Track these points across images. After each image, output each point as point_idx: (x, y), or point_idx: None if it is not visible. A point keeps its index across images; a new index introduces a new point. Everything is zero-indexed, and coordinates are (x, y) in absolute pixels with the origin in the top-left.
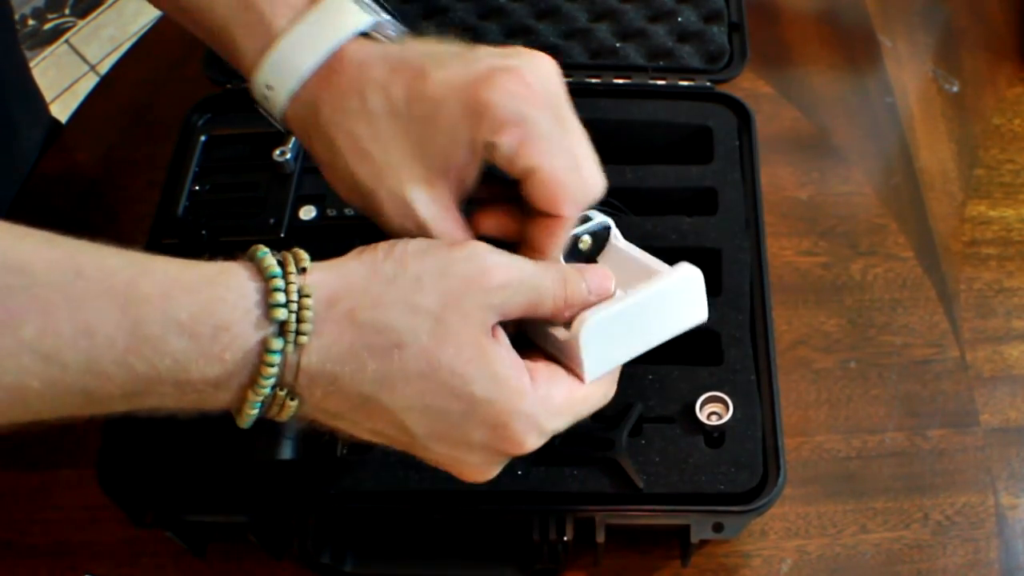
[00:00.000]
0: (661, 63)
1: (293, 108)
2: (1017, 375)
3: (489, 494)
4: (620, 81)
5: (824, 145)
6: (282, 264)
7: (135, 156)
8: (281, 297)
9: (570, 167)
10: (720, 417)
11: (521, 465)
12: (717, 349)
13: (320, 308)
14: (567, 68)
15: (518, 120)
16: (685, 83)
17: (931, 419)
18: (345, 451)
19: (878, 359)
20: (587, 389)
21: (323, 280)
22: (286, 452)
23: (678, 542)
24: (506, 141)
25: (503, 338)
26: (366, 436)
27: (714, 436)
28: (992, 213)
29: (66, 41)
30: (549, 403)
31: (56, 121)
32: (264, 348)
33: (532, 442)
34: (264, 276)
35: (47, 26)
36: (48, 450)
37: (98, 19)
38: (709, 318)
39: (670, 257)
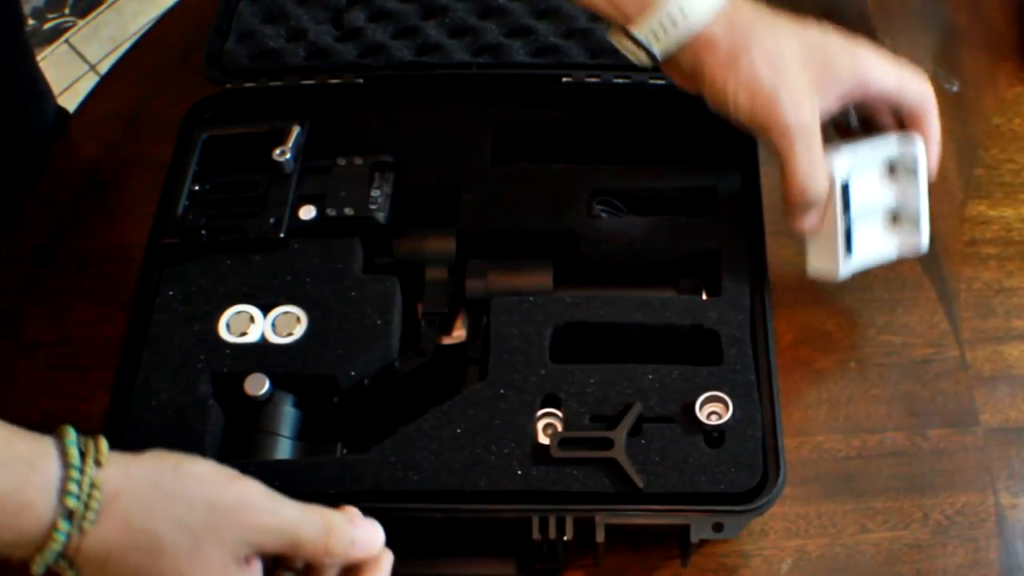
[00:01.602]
0: None
1: (705, 31)
2: (1017, 375)
3: (489, 494)
4: (620, 80)
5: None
6: (83, 454)
7: (135, 156)
8: (75, 488)
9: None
10: (720, 417)
11: (521, 465)
12: (717, 349)
13: (106, 500)
14: (567, 68)
15: (880, 62)
16: None
17: (931, 419)
18: (345, 451)
19: (878, 359)
20: None
21: (113, 477)
22: (286, 452)
23: (678, 542)
24: (878, 76)
25: (256, 565)
26: None
27: (714, 436)
28: (992, 213)
29: (66, 41)
30: None
31: (63, 110)
32: (54, 527)
33: None
34: (67, 464)
35: (47, 26)
36: None
37: (98, 19)
38: (708, 318)
39: (669, 257)
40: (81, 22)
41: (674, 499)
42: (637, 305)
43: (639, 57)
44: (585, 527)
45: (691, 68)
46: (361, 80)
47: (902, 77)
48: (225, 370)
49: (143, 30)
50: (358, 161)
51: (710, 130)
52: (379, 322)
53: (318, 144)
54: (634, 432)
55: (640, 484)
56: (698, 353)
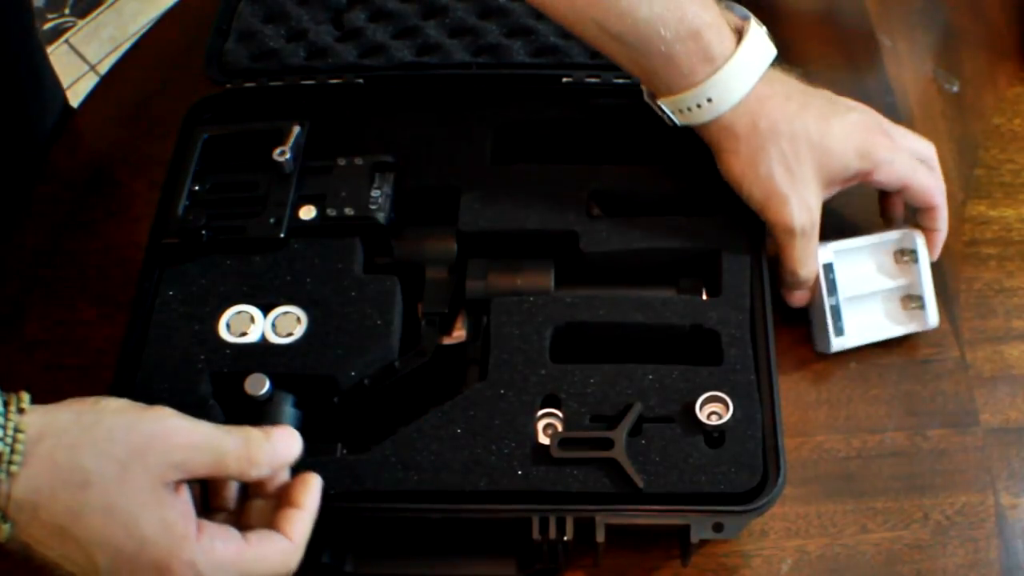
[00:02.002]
0: None
1: (728, 118)
2: (1017, 375)
3: (489, 494)
4: (619, 81)
5: None
6: (5, 404)
7: (135, 156)
8: None
9: (924, 175)
10: (720, 417)
11: (521, 465)
12: (717, 349)
13: (30, 443)
14: (567, 68)
15: (891, 162)
16: None
17: (931, 419)
18: (345, 451)
19: (878, 359)
20: (259, 551)
21: (36, 421)
22: None
23: (678, 542)
24: (883, 178)
25: (184, 493)
26: (63, 566)
27: (714, 436)
28: (992, 213)
29: (66, 41)
30: (212, 554)
31: (69, 107)
32: None
33: None
34: None
35: (47, 26)
36: None
37: (98, 19)
38: (709, 318)
39: (669, 257)
40: (81, 22)
41: (674, 499)
42: (637, 305)
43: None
44: (585, 527)
45: (711, 144)
46: (361, 80)
47: (908, 178)
48: (225, 370)
49: (143, 30)
50: (358, 161)
51: None
52: (379, 322)
53: (318, 144)
54: (634, 432)
55: (640, 484)
56: (698, 353)
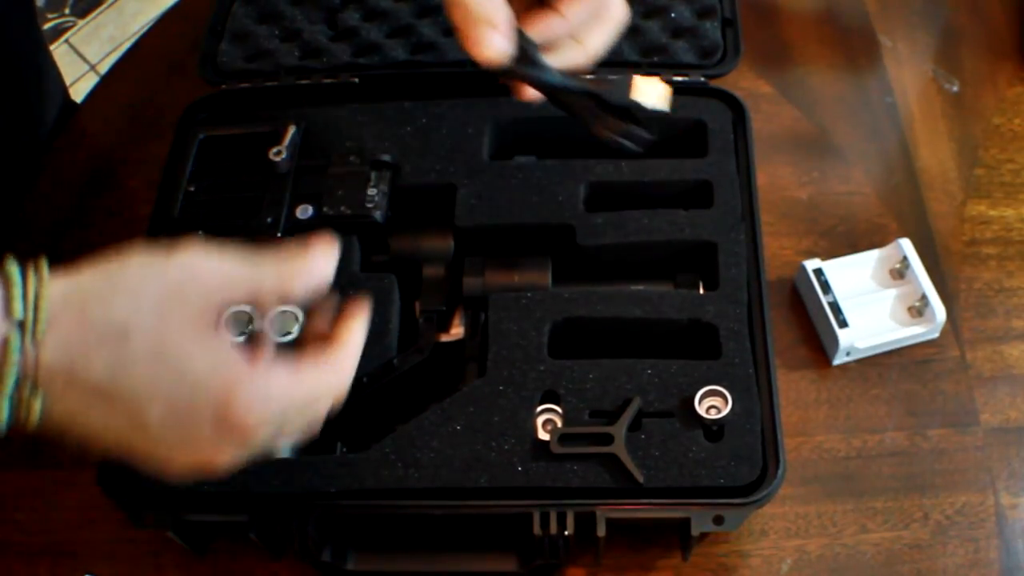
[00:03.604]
0: (655, 59)
1: None
2: (1017, 375)
3: (489, 490)
4: (614, 77)
5: (824, 145)
6: (23, 271)
7: (134, 155)
8: (19, 297)
9: None
10: (719, 411)
11: (521, 461)
12: (715, 343)
13: (55, 306)
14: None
15: None
16: (679, 78)
17: (931, 419)
18: (345, 450)
19: (878, 359)
20: (311, 376)
21: (59, 283)
22: (286, 451)
23: (678, 538)
24: None
25: (226, 336)
26: (106, 435)
27: (713, 430)
28: (992, 213)
29: (66, 41)
30: (270, 387)
31: (72, 102)
32: (5, 344)
33: (257, 425)
34: (7, 283)
35: (47, 26)
36: (48, 450)
37: (98, 19)
38: (706, 312)
39: (666, 251)
40: (81, 22)
41: (674, 493)
42: (635, 300)
43: None
44: (586, 522)
45: None
46: (356, 79)
47: None
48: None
49: (143, 30)
50: (354, 160)
51: (704, 124)
52: (377, 320)
53: (314, 144)
54: (634, 427)
55: (640, 479)
56: (697, 347)
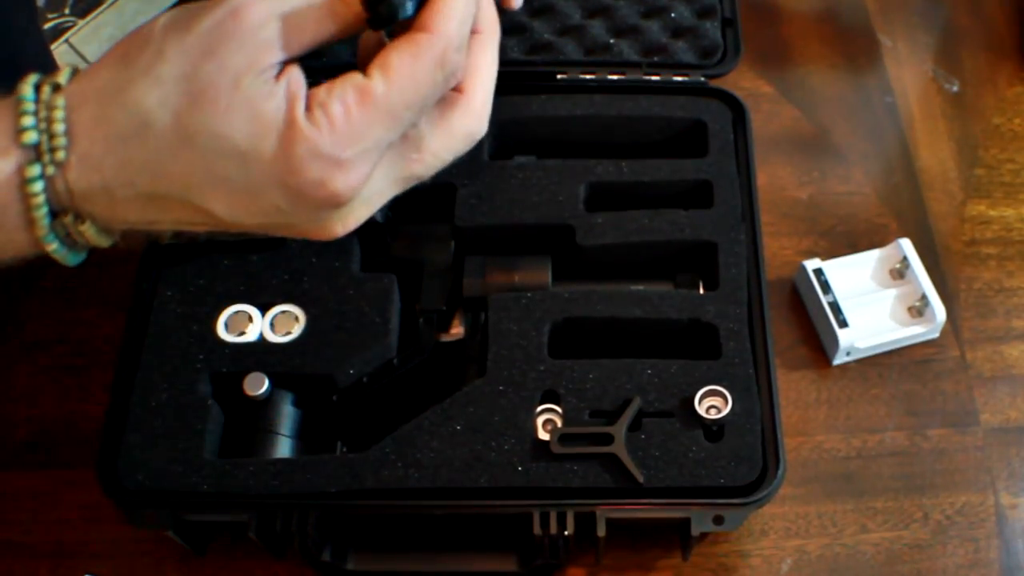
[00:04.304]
0: (655, 59)
1: None
2: (1017, 375)
3: (489, 490)
4: (614, 77)
5: (824, 145)
6: (38, 87)
7: None
8: (30, 120)
9: None
10: (719, 411)
11: (521, 461)
12: (715, 343)
13: (71, 118)
14: (562, 65)
15: None
16: (679, 78)
17: (931, 419)
18: (345, 450)
19: (878, 359)
20: (388, 79)
21: (74, 90)
22: (286, 451)
23: (678, 538)
24: None
25: (284, 77)
26: (191, 230)
27: (713, 430)
28: (992, 213)
29: (66, 41)
30: (335, 129)
31: None
32: (23, 178)
33: (341, 180)
34: (17, 101)
35: (47, 26)
36: (48, 450)
37: (98, 19)
38: (706, 312)
39: (666, 251)
40: (81, 22)
41: (674, 493)
42: (635, 300)
43: None
44: (586, 521)
45: None
46: None
47: None
48: (224, 370)
49: None
50: None
51: (704, 124)
52: (377, 320)
53: None
54: (634, 427)
55: (640, 479)
56: (697, 347)
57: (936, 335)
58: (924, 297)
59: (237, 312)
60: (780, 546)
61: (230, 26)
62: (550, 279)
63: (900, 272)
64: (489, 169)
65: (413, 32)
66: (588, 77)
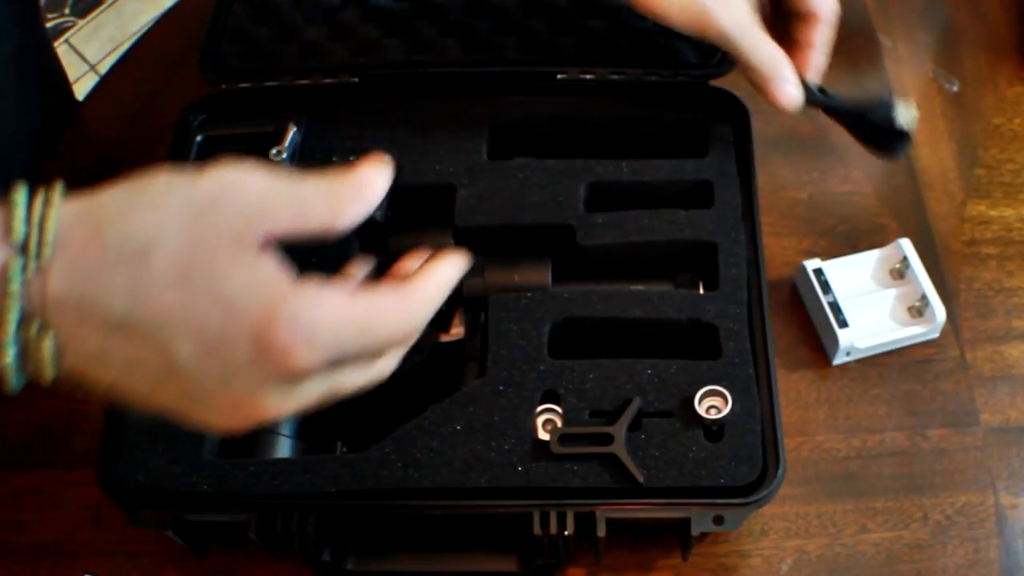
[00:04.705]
0: (655, 58)
1: None
2: (1017, 375)
3: (489, 490)
4: (615, 77)
5: (824, 145)
6: (31, 194)
7: (134, 156)
8: (21, 218)
9: None
10: (719, 411)
11: (521, 461)
12: (715, 343)
13: (64, 224)
14: (560, 64)
15: None
16: (679, 78)
17: (931, 419)
18: (345, 450)
19: (878, 359)
20: (374, 302)
21: (73, 204)
22: (286, 451)
23: (678, 538)
24: None
25: (271, 252)
26: (132, 379)
27: (713, 430)
28: (992, 213)
29: (66, 41)
30: (320, 309)
31: (75, 101)
32: (5, 272)
33: (303, 353)
34: (10, 204)
35: (47, 25)
36: (48, 450)
37: (98, 19)
38: (706, 312)
39: (666, 251)
40: (81, 22)
41: (674, 493)
42: (635, 300)
43: None
44: (586, 521)
45: None
46: (356, 79)
47: None
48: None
49: (143, 30)
50: (354, 160)
51: (704, 124)
52: None
53: (314, 143)
54: (634, 427)
55: (640, 479)
56: (697, 347)
57: (936, 335)
58: (924, 297)
59: None
60: (780, 546)
61: (231, 192)
62: (550, 279)
63: (900, 272)
64: (489, 169)
65: (406, 281)
66: (588, 77)
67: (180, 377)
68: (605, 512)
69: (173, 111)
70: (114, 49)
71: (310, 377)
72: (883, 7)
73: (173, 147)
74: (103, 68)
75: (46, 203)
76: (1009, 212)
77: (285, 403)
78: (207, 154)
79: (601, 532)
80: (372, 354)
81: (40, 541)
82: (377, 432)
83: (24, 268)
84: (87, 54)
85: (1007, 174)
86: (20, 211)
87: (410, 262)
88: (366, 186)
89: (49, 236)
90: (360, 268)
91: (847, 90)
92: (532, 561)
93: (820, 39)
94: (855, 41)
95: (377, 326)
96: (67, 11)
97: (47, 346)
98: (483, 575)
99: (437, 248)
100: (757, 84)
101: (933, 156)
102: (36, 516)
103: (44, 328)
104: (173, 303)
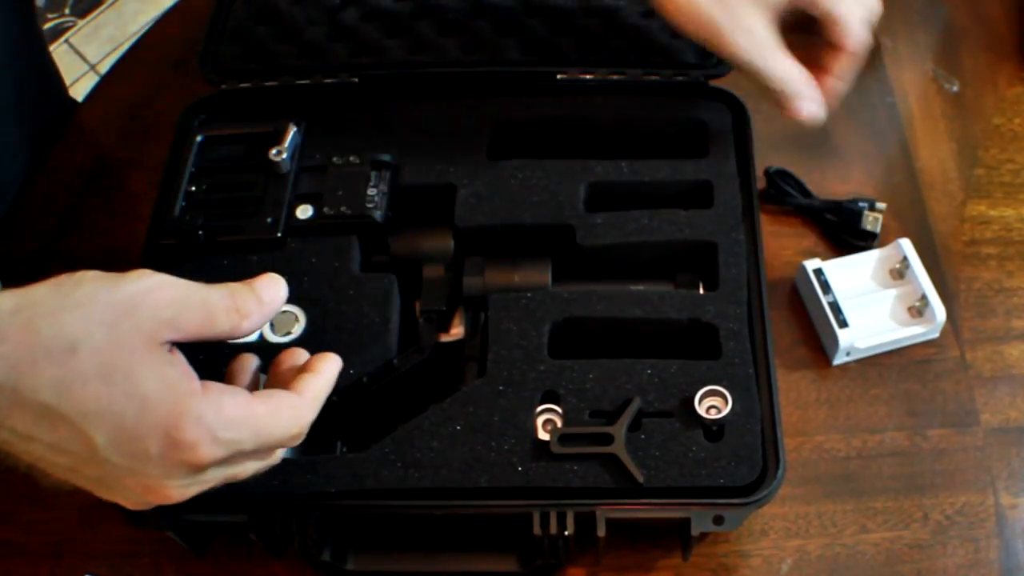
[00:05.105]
0: (655, 59)
1: None
2: (1017, 375)
3: (489, 490)
4: (615, 77)
5: (824, 145)
6: None
7: (134, 156)
8: None
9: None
10: (719, 411)
11: (521, 461)
12: (715, 343)
13: (3, 316)
14: (562, 65)
15: None
16: (679, 78)
17: (931, 419)
18: (345, 450)
19: (878, 359)
20: (268, 406)
21: (8, 297)
22: (286, 452)
23: (678, 538)
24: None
25: (179, 354)
26: (53, 460)
27: (713, 430)
28: (992, 213)
29: (66, 41)
30: (221, 411)
31: (72, 100)
32: None
33: (207, 449)
34: None
35: (47, 26)
36: None
37: (98, 19)
38: (706, 312)
39: (666, 251)
40: (81, 22)
41: (674, 493)
42: (635, 300)
43: None
44: (586, 521)
45: None
46: (356, 79)
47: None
48: (224, 370)
49: (143, 30)
50: (354, 160)
51: (704, 124)
52: (377, 320)
53: (314, 143)
54: (634, 427)
55: (640, 479)
56: (697, 347)
57: (936, 335)
58: (924, 297)
59: None
60: (780, 546)
61: (145, 299)
62: (550, 279)
63: (900, 272)
64: (489, 169)
65: (296, 386)
66: (588, 77)
67: (97, 462)
68: (605, 512)
69: (174, 111)
70: (114, 49)
71: (211, 468)
72: (883, 7)
73: (174, 147)
74: (103, 68)
75: None
76: (1009, 212)
77: (188, 488)
78: (207, 154)
79: (601, 532)
80: (268, 449)
81: (40, 541)
82: (377, 432)
83: None
84: (87, 54)
85: (1007, 174)
86: None
87: (289, 360)
88: (265, 298)
89: None
90: (251, 362)
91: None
92: (532, 561)
93: (843, 69)
94: None
95: (271, 427)
96: (67, 11)
97: None
98: (483, 575)
99: (313, 352)
100: (775, 102)
101: (933, 156)
102: (36, 516)
103: None
104: (95, 396)
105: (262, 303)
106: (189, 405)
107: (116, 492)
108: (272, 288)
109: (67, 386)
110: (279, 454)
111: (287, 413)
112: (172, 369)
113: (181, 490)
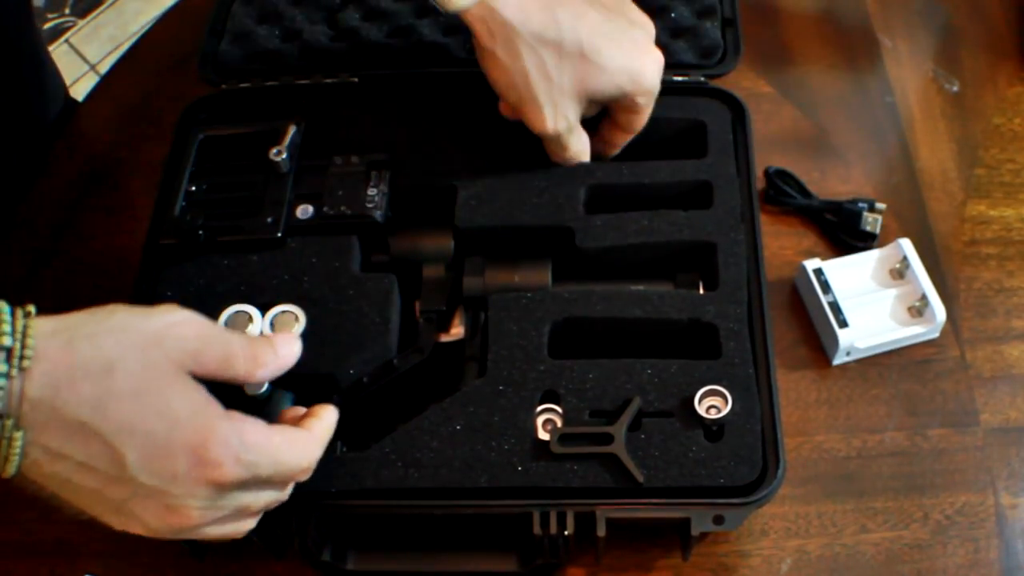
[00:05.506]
0: None
1: (478, 9)
2: (1017, 375)
3: (489, 490)
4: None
5: (824, 145)
6: (12, 309)
7: (135, 156)
8: (7, 327)
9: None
10: (719, 411)
11: (521, 461)
12: (715, 343)
13: (43, 338)
14: None
15: (653, 93)
16: (679, 78)
17: (931, 419)
18: (345, 449)
19: (878, 359)
20: (284, 437)
21: (47, 320)
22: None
23: (678, 538)
24: (642, 101)
25: (201, 383)
26: (80, 481)
27: (713, 430)
28: (992, 213)
29: (66, 41)
30: (244, 435)
31: (72, 100)
32: None
33: (230, 468)
34: None
35: (47, 26)
36: None
37: (98, 19)
38: (706, 312)
39: (666, 251)
40: (81, 22)
41: (674, 493)
42: (635, 300)
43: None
44: (586, 521)
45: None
46: (356, 79)
47: (650, 106)
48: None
49: (143, 30)
50: (354, 160)
51: (704, 125)
52: (377, 320)
53: (314, 143)
54: (634, 427)
55: (640, 479)
56: (696, 347)
57: (936, 335)
58: (924, 297)
59: (237, 312)
60: (780, 546)
61: (172, 330)
62: (550, 279)
63: (900, 272)
64: (489, 169)
65: (306, 423)
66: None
67: (124, 481)
68: (605, 512)
69: (173, 111)
70: (114, 49)
71: (231, 490)
72: (883, 7)
73: (174, 147)
74: (103, 68)
75: (26, 315)
76: (1009, 212)
77: (207, 512)
78: (207, 153)
79: (601, 532)
80: (281, 479)
81: (40, 541)
82: (377, 432)
83: (8, 371)
84: (87, 54)
85: (1007, 174)
86: (6, 317)
87: (289, 414)
88: (281, 352)
89: (31, 343)
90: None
91: (847, 89)
92: (532, 561)
93: (620, 143)
94: (855, 41)
95: (287, 456)
96: (67, 11)
97: (17, 440)
98: (483, 575)
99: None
100: (551, 152)
101: (933, 156)
102: (36, 516)
103: (17, 426)
104: (128, 414)
105: (278, 356)
106: (216, 426)
107: (135, 517)
108: (289, 345)
109: (103, 404)
110: (289, 489)
111: (300, 446)
112: (199, 394)
113: (201, 512)
